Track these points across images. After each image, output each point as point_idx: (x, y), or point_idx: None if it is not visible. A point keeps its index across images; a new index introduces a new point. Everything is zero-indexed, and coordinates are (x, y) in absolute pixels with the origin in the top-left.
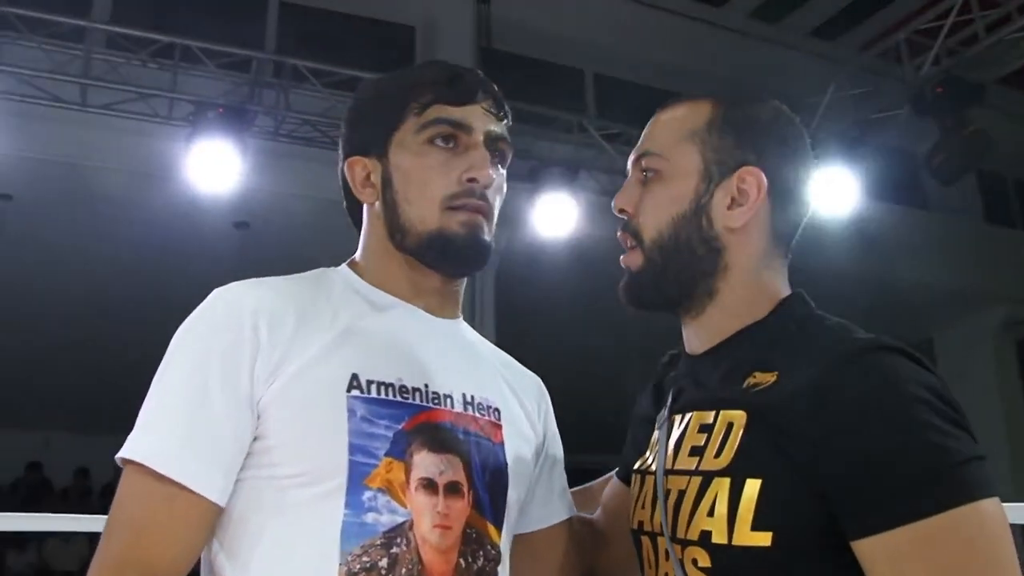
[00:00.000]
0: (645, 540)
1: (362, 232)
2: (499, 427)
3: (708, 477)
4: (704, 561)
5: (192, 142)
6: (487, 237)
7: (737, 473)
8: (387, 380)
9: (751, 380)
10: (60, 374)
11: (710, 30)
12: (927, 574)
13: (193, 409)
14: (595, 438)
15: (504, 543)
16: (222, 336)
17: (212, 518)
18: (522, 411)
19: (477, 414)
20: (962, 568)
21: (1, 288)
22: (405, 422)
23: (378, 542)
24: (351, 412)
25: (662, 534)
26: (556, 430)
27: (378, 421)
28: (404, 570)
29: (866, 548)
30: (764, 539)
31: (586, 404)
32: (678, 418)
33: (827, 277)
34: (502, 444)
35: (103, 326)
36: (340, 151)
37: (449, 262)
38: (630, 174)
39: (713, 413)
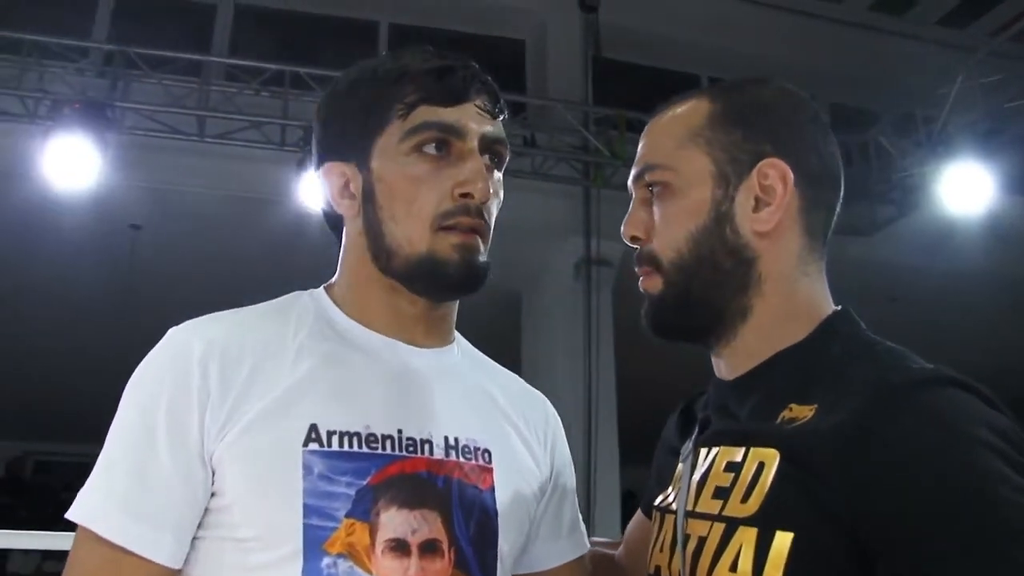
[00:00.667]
0: None
1: (341, 249)
2: (489, 471)
3: (732, 525)
4: None
5: (304, 167)
6: (482, 258)
7: (766, 523)
8: (351, 429)
9: (787, 413)
10: None
11: (830, 26)
12: None
13: (137, 466)
14: None
15: None
16: (168, 385)
17: None
18: (523, 445)
19: (462, 459)
20: None
21: (132, 315)
22: (371, 476)
23: None
24: (307, 469)
25: None
26: (568, 458)
27: (338, 478)
28: None
29: None
30: None
31: None
32: (704, 452)
33: (963, 279)
34: (492, 490)
35: None
36: (313, 152)
37: (439, 288)
38: (633, 195)
39: (742, 450)
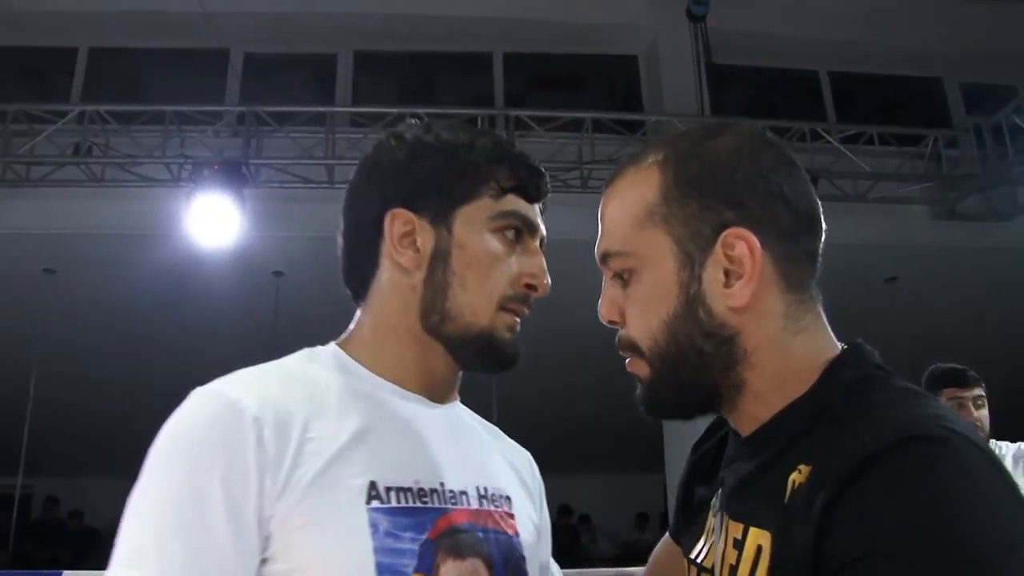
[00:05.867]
0: None
1: (375, 299)
2: (512, 516)
3: None
4: None
5: None
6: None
7: None
8: (404, 484)
9: (793, 476)
10: None
11: (954, 3)
12: None
13: (193, 539)
14: None
15: None
16: (221, 449)
17: None
18: (526, 493)
19: (492, 507)
20: None
21: (280, 356)
22: (429, 530)
23: None
24: (374, 527)
25: None
26: (547, 511)
27: (402, 534)
28: None
29: None
30: None
31: None
32: (723, 517)
33: None
34: (517, 535)
35: None
36: (363, 192)
37: (482, 364)
38: (604, 275)
39: (742, 528)
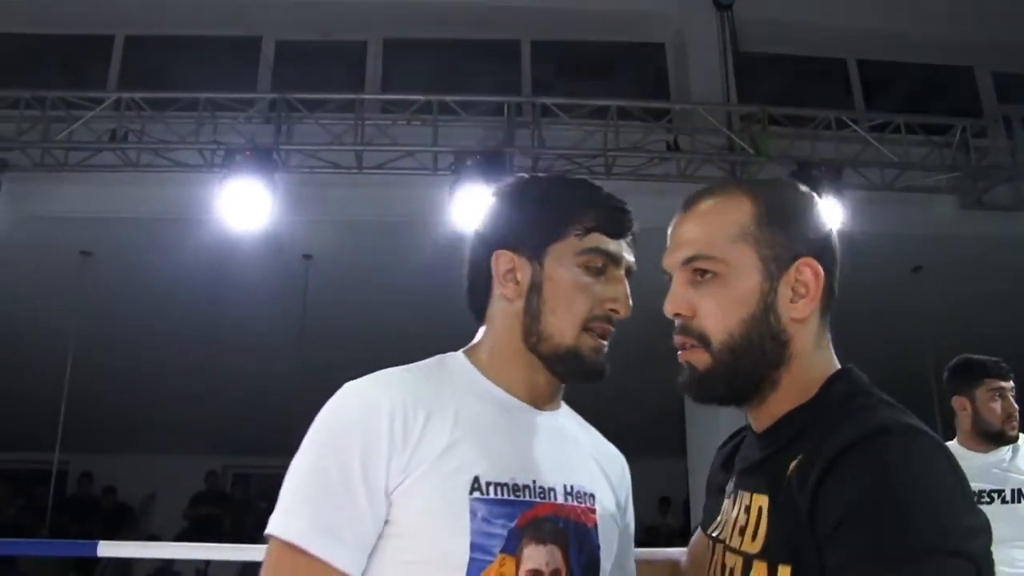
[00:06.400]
0: None
1: (490, 323)
2: (593, 511)
3: (748, 559)
4: None
5: (455, 189)
6: (606, 355)
7: (771, 559)
8: (502, 480)
9: (793, 463)
10: None
11: None
12: None
13: (338, 501)
14: None
15: None
16: (361, 433)
17: None
18: (611, 493)
19: (576, 503)
20: None
21: (310, 336)
22: (517, 519)
23: None
24: (473, 513)
25: None
26: (632, 508)
27: (495, 521)
28: None
29: None
30: None
31: None
32: (738, 493)
33: None
34: (596, 527)
35: None
36: (480, 236)
37: (572, 376)
38: (675, 276)
39: (749, 495)
